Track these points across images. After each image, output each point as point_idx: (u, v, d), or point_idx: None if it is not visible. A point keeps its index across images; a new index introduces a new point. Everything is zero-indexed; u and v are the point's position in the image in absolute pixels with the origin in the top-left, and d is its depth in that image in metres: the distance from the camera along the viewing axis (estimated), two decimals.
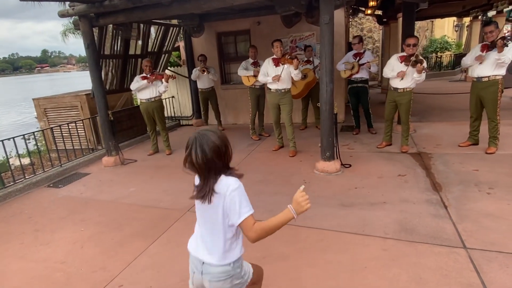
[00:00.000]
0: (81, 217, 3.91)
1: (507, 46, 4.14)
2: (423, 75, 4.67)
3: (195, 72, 7.08)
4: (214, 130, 1.51)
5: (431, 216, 3.23)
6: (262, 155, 5.60)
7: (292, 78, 5.24)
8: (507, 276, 2.36)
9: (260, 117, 6.70)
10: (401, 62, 4.82)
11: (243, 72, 6.27)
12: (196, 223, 1.65)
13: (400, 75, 4.77)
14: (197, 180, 1.57)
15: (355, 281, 2.45)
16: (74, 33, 20.37)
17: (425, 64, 4.65)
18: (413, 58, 4.66)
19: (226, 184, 1.45)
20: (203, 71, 6.97)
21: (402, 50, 4.97)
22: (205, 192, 1.45)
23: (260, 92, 6.33)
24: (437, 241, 2.83)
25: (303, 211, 1.47)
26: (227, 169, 1.49)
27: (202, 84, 7.24)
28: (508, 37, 4.19)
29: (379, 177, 4.29)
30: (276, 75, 5.16)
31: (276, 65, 5.21)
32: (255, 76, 5.99)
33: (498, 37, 4.24)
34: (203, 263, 1.56)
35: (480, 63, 4.48)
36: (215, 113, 7.61)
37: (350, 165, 4.74)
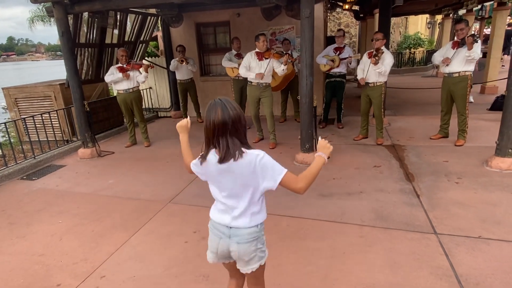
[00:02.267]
0: (58, 210, 3.82)
1: (476, 42, 4.36)
2: (382, 67, 4.86)
3: (174, 62, 6.98)
4: (231, 100, 1.58)
5: (405, 205, 3.40)
6: None
7: (274, 71, 5.28)
8: (473, 258, 2.54)
9: (242, 108, 6.70)
10: (369, 58, 5.03)
11: (227, 63, 6.24)
12: (214, 193, 1.69)
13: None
14: (208, 162, 1.61)
15: (334, 266, 2.56)
16: (43, 21, 19.46)
17: (385, 55, 4.87)
18: (374, 52, 4.89)
19: (253, 154, 1.53)
20: (182, 61, 6.88)
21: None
22: (232, 152, 1.51)
23: (243, 83, 6.31)
24: (410, 228, 2.99)
25: (329, 152, 1.68)
26: (246, 140, 1.58)
27: (181, 75, 7.14)
28: (477, 35, 4.42)
29: (356, 168, 4.44)
30: (259, 72, 5.13)
31: (260, 59, 5.20)
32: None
33: (468, 35, 4.46)
34: (230, 228, 1.64)
35: (447, 65, 4.72)
36: (194, 105, 7.55)
37: (329, 157, 4.85)
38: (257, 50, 5.24)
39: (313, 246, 2.84)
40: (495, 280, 2.30)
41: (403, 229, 2.98)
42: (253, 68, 5.22)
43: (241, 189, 1.59)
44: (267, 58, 5.14)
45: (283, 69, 5.09)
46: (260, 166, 1.53)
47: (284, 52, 5.73)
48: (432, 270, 2.45)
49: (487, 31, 16.17)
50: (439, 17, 16.57)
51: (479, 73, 9.27)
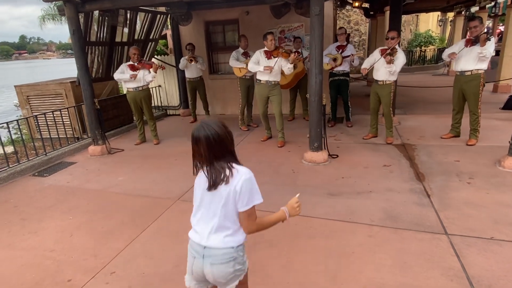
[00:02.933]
0: (69, 206, 3.88)
1: (489, 40, 4.28)
2: (394, 67, 4.81)
3: (183, 61, 7.01)
4: (215, 120, 1.53)
5: (415, 205, 3.36)
6: (251, 146, 5.65)
7: (282, 70, 5.26)
8: (484, 259, 2.50)
9: (249, 108, 6.71)
10: (381, 55, 4.96)
11: (235, 63, 6.23)
12: (194, 210, 1.65)
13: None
14: (201, 175, 1.57)
15: (342, 266, 2.55)
16: (54, 19, 19.71)
17: (399, 56, 4.81)
18: (389, 51, 4.81)
19: (239, 173, 1.49)
20: (191, 60, 6.91)
21: None
22: (221, 178, 1.48)
23: (250, 83, 6.33)
24: (421, 228, 2.95)
25: (295, 215, 1.68)
26: (234, 158, 1.53)
27: (190, 74, 7.17)
28: (490, 32, 4.34)
29: (365, 167, 4.40)
30: (269, 65, 5.12)
31: (268, 57, 5.18)
32: (247, 67, 5.98)
33: (482, 32, 4.38)
34: (204, 247, 1.56)
35: (451, 60, 4.68)
36: (203, 103, 7.57)
37: (337, 156, 4.84)
38: (265, 48, 5.23)
39: (322, 245, 2.83)
40: (508, 282, 2.26)
41: (413, 229, 2.95)
42: (261, 68, 5.21)
43: (220, 207, 1.53)
44: (275, 57, 5.12)
45: (289, 68, 5.08)
46: (241, 185, 1.48)
47: (294, 50, 5.71)
48: (443, 271, 2.42)
49: (501, 28, 15.85)
50: (450, 15, 16.33)
51: (492, 71, 9.12)
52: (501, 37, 13.28)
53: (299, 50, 6.45)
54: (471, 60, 4.56)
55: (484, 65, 4.58)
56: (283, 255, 2.72)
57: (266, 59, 5.19)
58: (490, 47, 4.33)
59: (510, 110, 6.64)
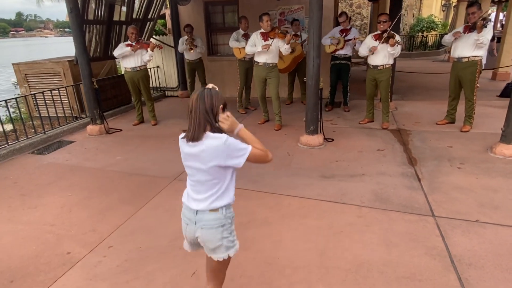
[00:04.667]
0: (67, 183, 3.96)
1: (486, 27, 4.27)
2: (397, 48, 4.82)
3: (182, 45, 6.94)
4: (218, 91, 1.65)
5: (405, 188, 3.46)
6: (248, 129, 5.51)
7: (280, 52, 5.25)
8: (468, 240, 2.60)
9: (247, 90, 6.72)
10: (375, 40, 4.94)
11: (235, 43, 6.19)
12: (187, 177, 1.76)
13: (373, 49, 4.93)
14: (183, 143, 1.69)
15: (331, 244, 2.65)
16: None
17: (397, 38, 4.79)
18: (385, 35, 4.81)
19: (217, 138, 1.57)
20: (191, 49, 6.83)
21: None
22: (197, 133, 1.58)
23: (249, 65, 6.30)
24: (409, 210, 3.05)
25: (229, 124, 1.65)
26: (215, 126, 1.61)
27: (189, 56, 7.12)
28: (489, 19, 4.32)
29: (359, 151, 4.48)
30: (266, 44, 5.09)
31: (265, 39, 5.17)
32: None
33: (480, 18, 4.37)
34: (196, 212, 1.68)
35: (455, 38, 4.64)
36: (202, 85, 7.55)
37: (333, 140, 4.91)
38: (262, 30, 5.21)
39: (313, 224, 2.93)
40: (488, 261, 2.37)
41: (402, 211, 3.05)
42: (259, 48, 5.20)
43: (203, 171, 1.62)
44: (272, 38, 5.11)
45: (286, 48, 5.07)
46: (226, 146, 1.57)
47: (293, 33, 5.68)
48: (427, 250, 2.52)
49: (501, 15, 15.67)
50: (454, 0, 16.08)
51: (492, 58, 9.10)
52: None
53: (298, 32, 6.41)
54: (468, 46, 4.57)
55: (481, 52, 4.59)
56: (274, 233, 2.82)
57: (263, 40, 5.17)
58: (487, 34, 4.33)
59: (507, 97, 6.66)
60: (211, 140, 1.58)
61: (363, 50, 5.14)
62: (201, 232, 1.68)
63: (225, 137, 1.57)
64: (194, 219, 1.69)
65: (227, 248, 1.73)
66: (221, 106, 1.63)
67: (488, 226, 2.77)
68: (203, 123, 1.58)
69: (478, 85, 4.89)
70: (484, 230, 2.72)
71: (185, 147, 1.65)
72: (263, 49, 5.12)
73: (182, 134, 1.68)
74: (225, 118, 1.63)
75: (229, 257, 1.77)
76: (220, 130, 1.62)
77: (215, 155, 1.58)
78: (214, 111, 1.60)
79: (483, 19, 4.28)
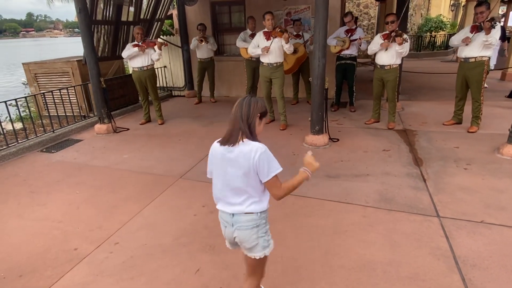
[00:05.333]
0: (75, 181, 4.02)
1: (494, 27, 4.23)
2: (406, 46, 4.80)
3: (194, 41, 7.01)
4: (258, 100, 1.70)
5: (410, 188, 3.44)
6: None
7: (284, 52, 5.26)
8: (472, 241, 2.59)
9: (254, 90, 6.75)
10: (384, 40, 4.93)
11: (242, 43, 6.22)
12: (215, 183, 1.78)
13: (384, 45, 4.91)
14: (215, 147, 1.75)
15: (335, 243, 2.66)
16: None
17: (405, 36, 4.77)
18: (393, 34, 4.80)
19: (254, 147, 1.62)
20: (201, 40, 6.91)
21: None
22: (231, 138, 1.64)
23: (256, 65, 6.30)
24: (413, 210, 3.05)
25: (316, 168, 1.73)
26: (253, 134, 1.67)
27: (201, 54, 7.17)
28: (497, 19, 4.27)
29: (364, 151, 4.47)
30: (265, 46, 5.13)
31: (267, 38, 5.18)
32: None
33: (487, 19, 4.32)
34: (232, 215, 1.73)
35: (466, 44, 4.60)
36: (210, 85, 7.60)
37: (338, 140, 4.91)
38: (265, 30, 5.23)
39: (317, 223, 2.94)
40: (492, 262, 2.36)
41: (406, 211, 3.04)
42: (259, 50, 5.22)
43: (240, 178, 1.66)
44: (274, 37, 5.12)
45: (287, 48, 5.08)
46: (258, 158, 1.60)
47: (295, 33, 5.70)
48: (431, 250, 2.52)
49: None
50: None
51: (501, 59, 8.98)
52: None
53: (300, 33, 6.40)
54: (475, 47, 4.53)
55: (488, 52, 4.55)
56: (278, 231, 2.83)
57: (266, 40, 5.20)
58: (495, 34, 4.29)
59: None
60: (245, 147, 1.62)
61: (373, 47, 5.09)
62: (238, 233, 1.74)
63: (260, 150, 1.61)
64: (231, 221, 1.75)
65: (263, 247, 1.77)
66: (258, 114, 1.67)
67: (493, 227, 2.75)
68: (238, 129, 1.63)
69: (486, 85, 4.85)
70: (489, 231, 2.70)
71: (223, 153, 1.68)
72: (262, 52, 5.15)
73: (218, 139, 1.73)
74: (313, 164, 1.71)
75: (266, 256, 1.81)
76: (256, 139, 1.66)
77: (247, 163, 1.62)
78: (249, 120, 1.64)
79: (490, 19, 4.24)
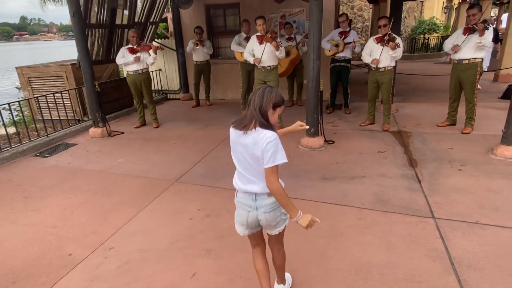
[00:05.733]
0: (70, 186, 3.99)
1: (487, 29, 4.28)
2: (398, 51, 4.85)
3: (190, 44, 7.01)
4: (273, 90, 1.80)
5: (405, 189, 3.46)
6: None
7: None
8: (468, 242, 2.60)
9: (250, 92, 6.75)
10: (377, 43, 4.96)
11: (236, 47, 6.24)
12: (236, 165, 1.88)
13: (374, 63, 5.01)
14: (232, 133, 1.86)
15: (331, 245, 2.66)
16: (55, 0, 19.53)
17: (398, 41, 4.81)
18: (386, 37, 4.83)
19: (265, 135, 1.70)
20: (197, 44, 6.91)
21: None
22: (245, 124, 1.75)
23: (251, 67, 6.31)
24: (409, 212, 3.06)
25: (304, 225, 1.76)
26: (268, 123, 1.76)
27: (197, 57, 7.17)
28: (490, 21, 4.31)
29: (359, 153, 4.48)
30: (256, 58, 5.21)
31: (260, 42, 5.22)
32: None
33: (480, 20, 4.37)
34: (255, 199, 1.84)
35: (455, 52, 4.67)
36: (206, 87, 7.59)
37: (333, 142, 4.92)
38: (258, 33, 5.25)
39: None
40: (487, 263, 2.37)
41: (402, 212, 3.05)
42: (256, 52, 5.26)
43: (254, 163, 1.76)
44: (266, 42, 5.14)
45: (277, 54, 5.14)
46: (266, 145, 1.68)
47: (287, 36, 5.72)
48: (426, 252, 2.52)
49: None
50: (456, 1, 16.09)
51: (494, 60, 9.08)
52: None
53: (292, 35, 6.43)
54: (469, 48, 4.57)
55: (482, 54, 4.59)
56: None
57: (258, 43, 5.24)
58: (488, 36, 4.33)
59: (509, 99, 6.65)
60: (258, 134, 1.71)
61: (365, 55, 5.18)
62: (264, 215, 1.86)
63: (269, 138, 1.68)
64: (254, 205, 1.86)
65: (284, 220, 1.95)
66: (271, 104, 1.75)
67: (488, 227, 2.77)
68: (252, 117, 1.74)
69: (479, 87, 4.89)
70: (484, 232, 2.71)
71: (237, 136, 1.79)
72: (254, 62, 5.24)
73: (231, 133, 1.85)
74: (310, 225, 1.78)
75: (285, 227, 1.98)
76: (270, 127, 1.74)
77: (257, 150, 1.71)
78: (262, 109, 1.74)
79: (483, 21, 4.28)
